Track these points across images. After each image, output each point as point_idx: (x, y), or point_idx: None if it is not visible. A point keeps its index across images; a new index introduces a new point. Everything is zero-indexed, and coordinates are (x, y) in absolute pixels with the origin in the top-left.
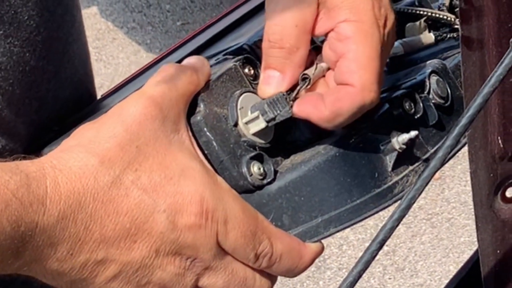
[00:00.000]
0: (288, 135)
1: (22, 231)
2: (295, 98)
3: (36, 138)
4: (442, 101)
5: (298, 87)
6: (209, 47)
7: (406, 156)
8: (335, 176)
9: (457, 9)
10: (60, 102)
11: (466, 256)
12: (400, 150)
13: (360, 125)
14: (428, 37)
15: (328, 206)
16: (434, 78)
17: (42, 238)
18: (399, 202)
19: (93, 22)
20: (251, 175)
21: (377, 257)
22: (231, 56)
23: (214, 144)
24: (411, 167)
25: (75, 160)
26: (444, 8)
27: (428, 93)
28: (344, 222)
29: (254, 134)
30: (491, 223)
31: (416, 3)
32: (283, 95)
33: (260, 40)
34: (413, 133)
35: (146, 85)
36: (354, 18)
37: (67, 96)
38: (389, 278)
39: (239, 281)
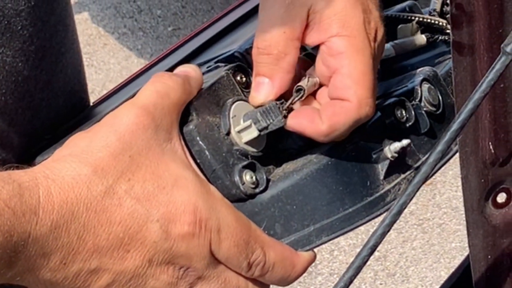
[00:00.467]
0: (280, 144)
1: (14, 241)
2: (288, 108)
3: (29, 147)
4: (434, 109)
5: (292, 98)
6: (200, 54)
7: (398, 164)
8: (327, 184)
9: (448, 15)
10: (53, 111)
11: (457, 262)
12: (392, 159)
13: (352, 134)
14: (420, 38)
15: (320, 215)
16: (425, 86)
17: (34, 248)
18: (390, 207)
19: (84, 28)
20: (243, 184)
21: (368, 262)
22: (222, 64)
23: (207, 153)
24: (403, 175)
25: (68, 169)
26: (435, 13)
27: (420, 101)
28: (336, 230)
29: (246, 143)
30: (482, 229)
31: (407, 9)
32: (276, 104)
33: (251, 48)
34: (405, 142)
35: (138, 94)
36: (345, 32)
37: (61, 105)
38: (380, 284)
39: None
